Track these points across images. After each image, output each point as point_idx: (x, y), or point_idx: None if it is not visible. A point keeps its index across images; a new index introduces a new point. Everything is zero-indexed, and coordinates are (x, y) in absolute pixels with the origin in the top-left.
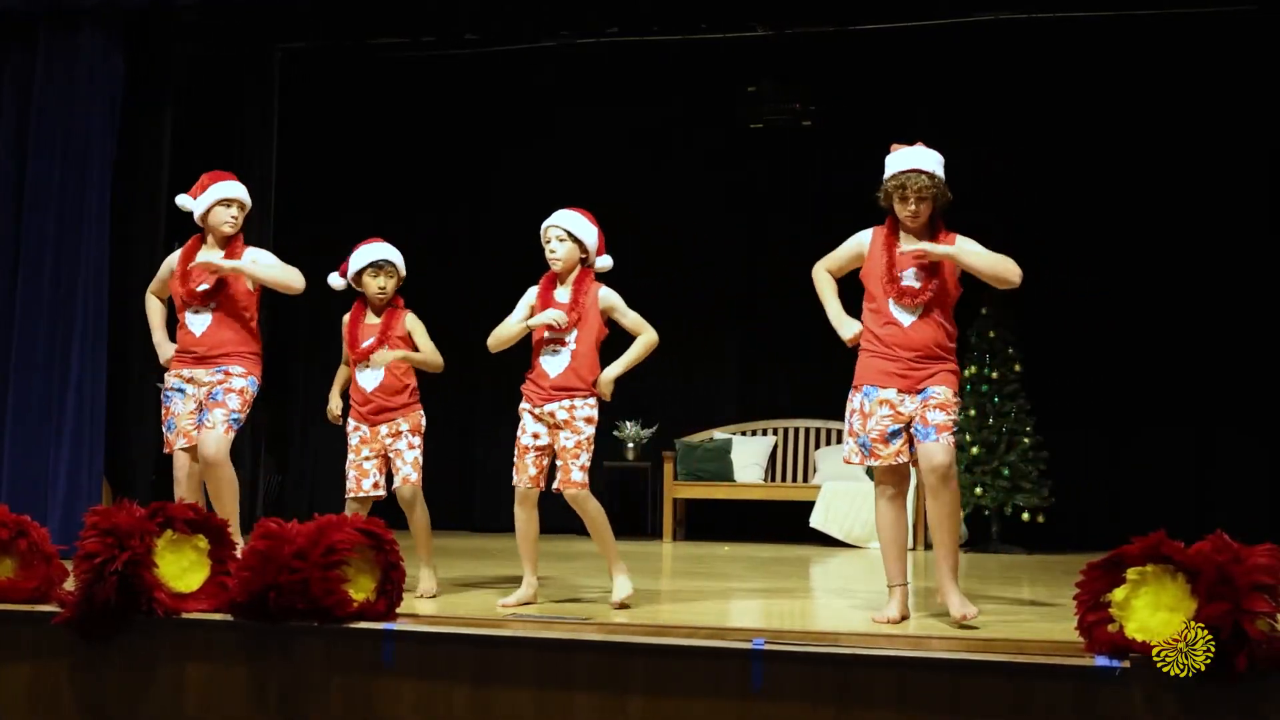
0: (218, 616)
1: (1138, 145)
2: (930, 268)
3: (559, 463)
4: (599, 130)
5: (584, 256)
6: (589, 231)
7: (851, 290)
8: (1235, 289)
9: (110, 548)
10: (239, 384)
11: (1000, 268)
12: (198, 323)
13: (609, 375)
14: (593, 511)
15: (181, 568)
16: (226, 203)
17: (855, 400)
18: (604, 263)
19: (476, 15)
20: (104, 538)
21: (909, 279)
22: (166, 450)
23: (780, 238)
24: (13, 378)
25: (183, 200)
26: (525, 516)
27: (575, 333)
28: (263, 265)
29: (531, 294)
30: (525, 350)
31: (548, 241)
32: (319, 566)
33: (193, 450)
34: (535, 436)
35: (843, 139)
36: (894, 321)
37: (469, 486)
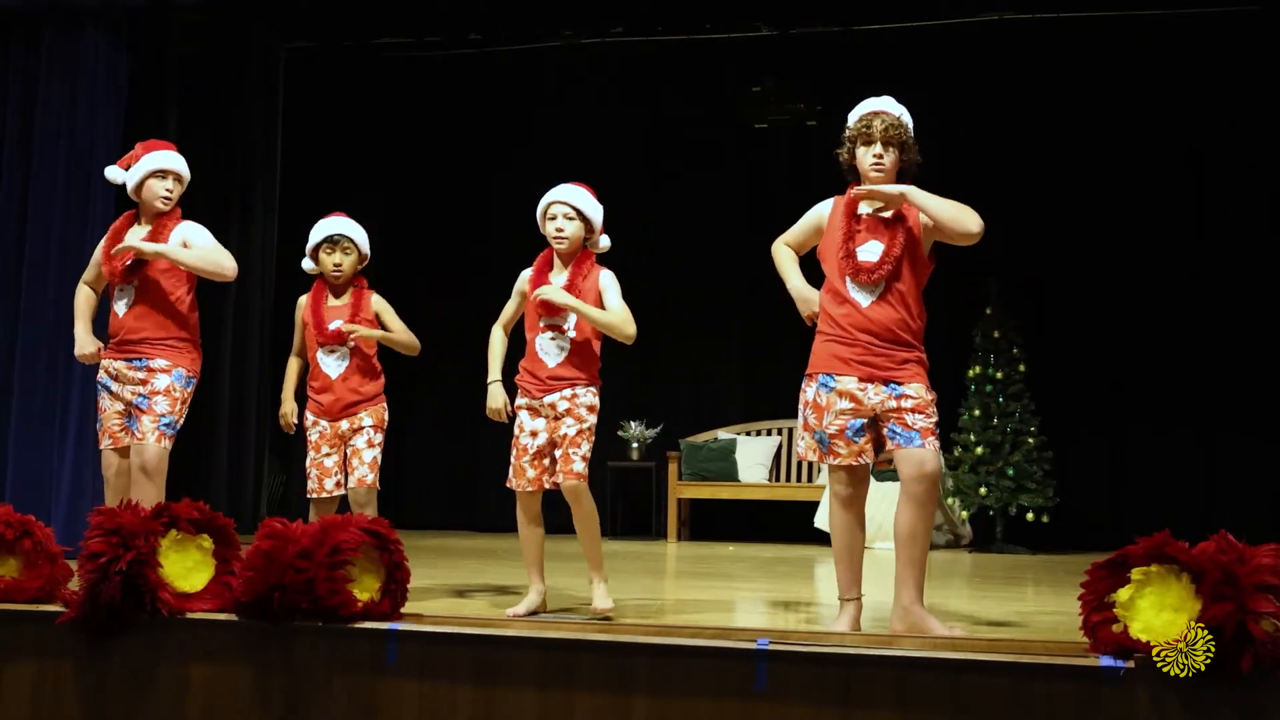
0: (222, 616)
1: (1141, 146)
2: (891, 240)
3: (558, 452)
4: (602, 130)
5: (588, 237)
6: (596, 209)
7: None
8: (1238, 289)
9: (115, 547)
10: (163, 383)
11: (958, 214)
12: (121, 305)
13: (560, 295)
14: (586, 508)
15: (186, 567)
16: (162, 174)
17: (809, 391)
18: (604, 243)
19: (481, 15)
20: (108, 537)
21: (866, 253)
22: (99, 445)
23: None
24: (17, 377)
25: (113, 173)
26: (529, 521)
27: (573, 318)
28: (190, 251)
29: (524, 279)
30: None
31: (553, 219)
32: (324, 566)
33: (121, 451)
34: (534, 435)
35: None
36: (850, 301)
37: (473, 485)
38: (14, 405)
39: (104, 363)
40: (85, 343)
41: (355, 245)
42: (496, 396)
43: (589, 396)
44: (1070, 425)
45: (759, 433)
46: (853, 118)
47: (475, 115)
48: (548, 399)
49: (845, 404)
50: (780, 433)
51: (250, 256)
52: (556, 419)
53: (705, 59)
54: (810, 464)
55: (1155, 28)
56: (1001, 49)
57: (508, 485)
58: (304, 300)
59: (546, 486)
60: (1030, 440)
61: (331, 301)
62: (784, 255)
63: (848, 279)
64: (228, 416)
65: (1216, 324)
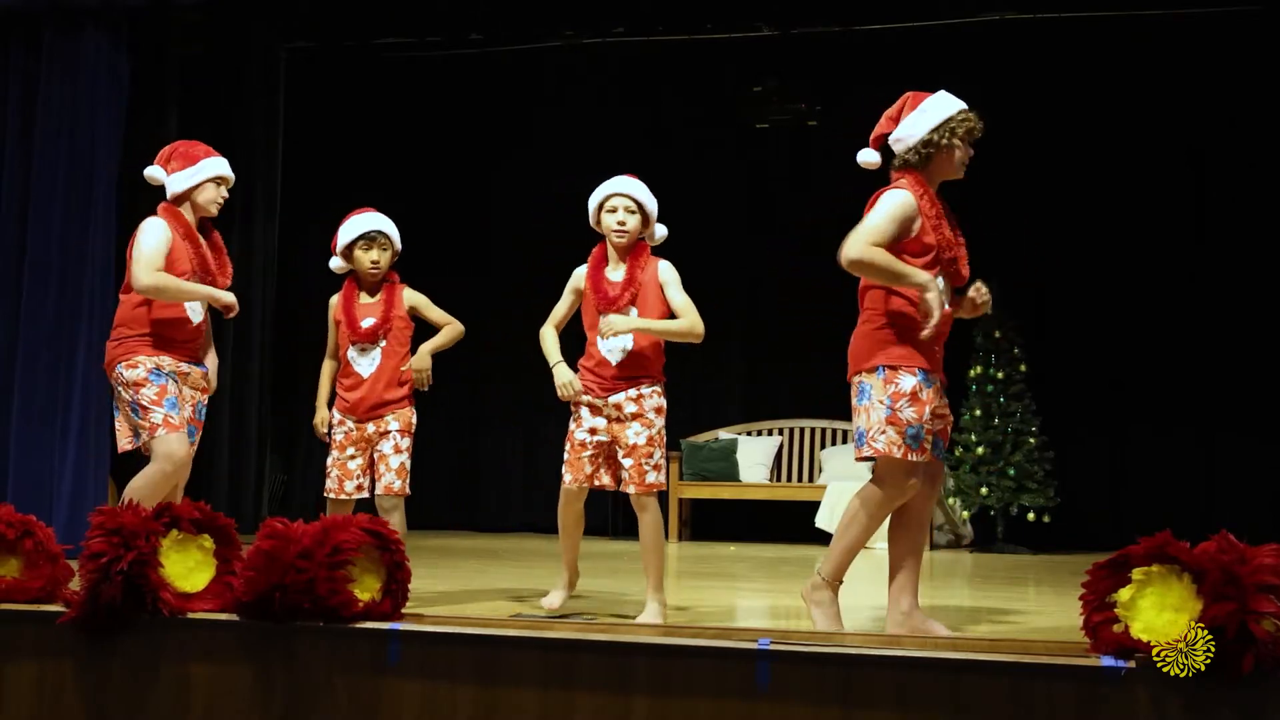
0: (223, 616)
1: (1141, 146)
2: (963, 247)
3: (628, 461)
4: (602, 130)
5: (643, 230)
6: (653, 201)
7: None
8: (1239, 289)
9: (116, 547)
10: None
11: None
12: (197, 308)
13: (627, 323)
14: (653, 516)
15: (187, 567)
16: (219, 181)
17: (905, 382)
18: (661, 232)
19: (481, 15)
20: (110, 537)
21: None
22: (166, 431)
23: (784, 238)
24: (19, 377)
25: (155, 171)
26: (573, 515)
27: (634, 312)
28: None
29: (579, 276)
30: (538, 347)
31: (613, 211)
32: (325, 566)
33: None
34: (593, 432)
35: (848, 139)
36: (949, 304)
37: (473, 485)
38: (15, 405)
39: (166, 359)
40: (224, 295)
41: (391, 241)
42: (563, 373)
43: (655, 397)
44: (1071, 425)
45: (760, 433)
46: (953, 108)
47: (475, 115)
48: (612, 399)
49: (940, 402)
50: (781, 433)
51: (251, 256)
52: (619, 421)
53: (705, 59)
54: (813, 465)
55: (1155, 28)
56: (1001, 49)
57: (564, 481)
58: (335, 300)
59: (598, 485)
60: (1031, 440)
61: (364, 299)
62: (884, 253)
63: (944, 280)
64: (228, 416)
65: (1216, 324)
